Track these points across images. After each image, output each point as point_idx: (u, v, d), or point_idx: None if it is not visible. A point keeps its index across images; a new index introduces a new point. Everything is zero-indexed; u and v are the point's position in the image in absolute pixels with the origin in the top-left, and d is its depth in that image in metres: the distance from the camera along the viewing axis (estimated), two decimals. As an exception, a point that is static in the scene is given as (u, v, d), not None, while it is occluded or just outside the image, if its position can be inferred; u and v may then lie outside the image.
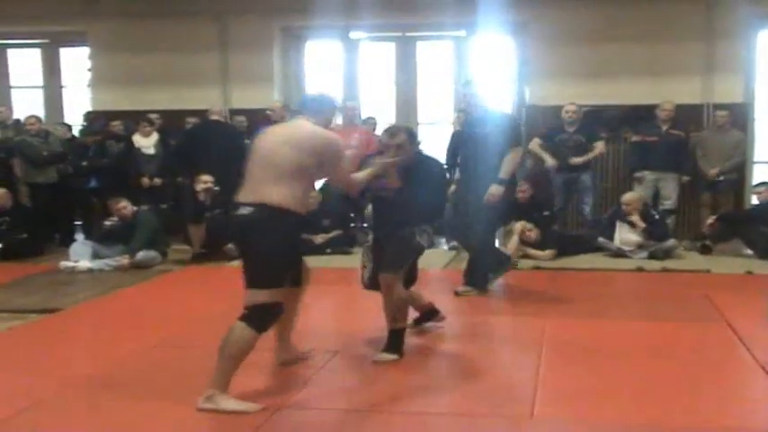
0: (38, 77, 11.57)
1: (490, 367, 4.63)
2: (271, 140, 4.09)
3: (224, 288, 6.96)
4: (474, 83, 6.57)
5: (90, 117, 10.59)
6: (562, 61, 9.61)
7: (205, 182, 8.34)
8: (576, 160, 8.76)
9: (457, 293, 6.36)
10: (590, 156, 8.84)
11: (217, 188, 8.41)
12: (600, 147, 8.94)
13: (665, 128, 8.93)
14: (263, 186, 3.93)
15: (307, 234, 8.51)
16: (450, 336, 5.19)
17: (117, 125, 9.78)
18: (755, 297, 6.30)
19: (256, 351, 4.77)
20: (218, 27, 10.33)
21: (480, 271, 6.43)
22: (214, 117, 9.40)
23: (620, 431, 3.55)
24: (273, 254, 3.90)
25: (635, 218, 8.20)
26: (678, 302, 6.17)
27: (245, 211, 3.93)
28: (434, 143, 10.07)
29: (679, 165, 8.95)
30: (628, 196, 8.44)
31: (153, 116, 9.91)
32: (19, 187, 9.47)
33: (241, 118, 9.98)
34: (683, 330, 5.28)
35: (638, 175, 9.03)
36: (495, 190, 6.15)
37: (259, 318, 3.90)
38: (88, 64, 10.98)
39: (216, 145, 8.82)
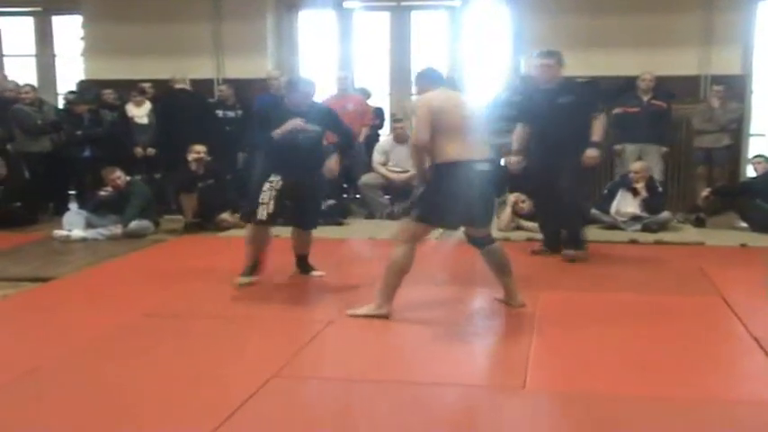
0: (30, 46, 11.48)
1: (482, 338, 4.65)
2: (462, 105, 4.89)
3: (217, 258, 6.99)
4: (552, 53, 6.54)
5: (82, 86, 10.52)
6: (557, 31, 9.53)
7: (198, 152, 8.31)
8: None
9: (570, 258, 6.58)
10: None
11: (209, 158, 8.39)
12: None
13: (646, 98, 8.89)
14: (479, 145, 4.83)
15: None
16: (442, 306, 5.19)
17: (109, 94, 9.76)
18: (750, 270, 6.31)
19: (248, 320, 4.81)
20: (211, -5, 10.25)
21: (581, 232, 6.77)
22: (179, 86, 9.37)
23: (612, 403, 3.55)
24: None
25: (640, 185, 8.19)
26: (672, 275, 6.17)
27: (485, 166, 4.80)
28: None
29: (660, 136, 8.91)
30: (638, 164, 8.41)
31: (146, 85, 9.85)
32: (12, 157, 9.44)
33: (222, 87, 9.92)
34: (676, 303, 5.29)
35: (617, 147, 8.97)
36: (593, 152, 6.48)
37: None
38: (81, 33, 10.90)
39: (186, 116, 8.99)
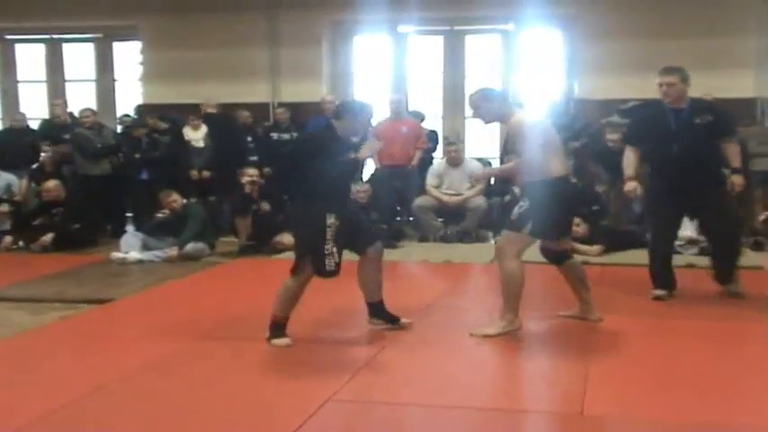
0: (91, 71, 11.76)
1: (539, 363, 4.61)
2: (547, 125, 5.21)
3: (272, 280, 7.02)
4: (673, 69, 6.06)
5: (140, 111, 10.74)
6: (610, 55, 9.52)
7: (250, 175, 8.43)
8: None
9: (734, 294, 6.05)
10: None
11: (262, 181, 8.50)
12: None
13: None
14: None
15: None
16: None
17: (154, 121, 9.80)
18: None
19: (304, 343, 4.83)
20: (267, 21, 10.41)
21: (735, 265, 6.15)
22: (209, 110, 9.52)
23: (673, 430, 3.51)
24: None
25: None
26: (730, 300, 6.05)
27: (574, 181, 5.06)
28: (482, 135, 10.06)
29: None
30: None
31: (208, 105, 10.00)
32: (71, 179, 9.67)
33: (279, 110, 10.03)
34: (736, 328, 5.19)
35: None
36: (738, 179, 6.03)
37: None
38: (140, 58, 11.14)
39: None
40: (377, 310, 5.11)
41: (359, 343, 4.93)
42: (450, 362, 4.54)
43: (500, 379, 4.25)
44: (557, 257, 5.20)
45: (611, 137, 8.70)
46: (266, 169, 9.16)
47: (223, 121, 9.76)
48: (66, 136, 9.69)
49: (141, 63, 11.14)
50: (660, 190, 6.06)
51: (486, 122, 5.23)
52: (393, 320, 5.11)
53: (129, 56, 11.53)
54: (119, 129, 10.56)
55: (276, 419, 3.61)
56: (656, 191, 6.11)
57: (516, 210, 5.00)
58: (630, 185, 6.17)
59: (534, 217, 4.93)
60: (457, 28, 10.65)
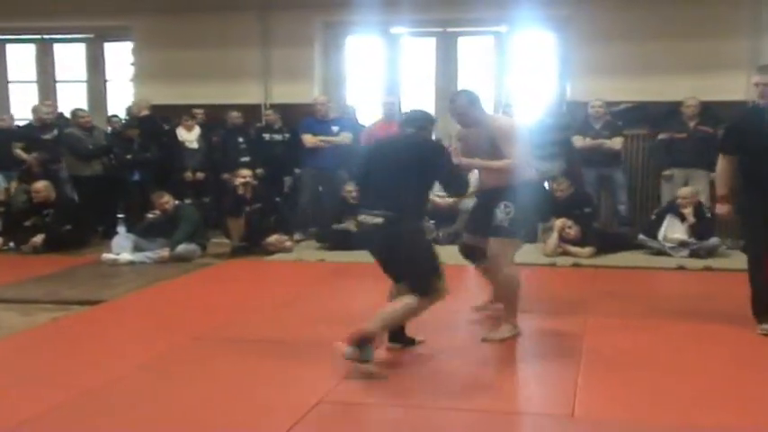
0: (82, 72, 11.72)
1: (529, 364, 4.63)
2: None
3: (264, 282, 7.05)
4: None
5: (132, 111, 10.71)
6: (603, 57, 9.52)
7: (243, 176, 8.42)
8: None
9: None
10: (591, 143, 8.80)
11: (255, 182, 8.50)
12: (615, 141, 8.86)
13: (692, 124, 8.82)
14: None
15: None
16: (487, 332, 5.17)
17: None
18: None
19: (296, 345, 4.83)
20: (260, 22, 10.38)
21: None
22: (144, 113, 9.52)
23: (664, 430, 3.52)
24: None
25: (687, 210, 8.11)
26: (721, 303, 6.07)
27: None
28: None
29: (708, 161, 8.81)
30: (685, 190, 8.34)
31: (196, 111, 10.01)
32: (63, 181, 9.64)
33: (268, 112, 10.01)
34: (726, 332, 5.19)
35: (666, 173, 8.93)
36: None
37: None
38: (131, 58, 11.11)
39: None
40: (398, 335, 4.75)
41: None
42: (441, 363, 4.54)
43: (491, 381, 4.25)
44: (481, 256, 5.21)
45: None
46: (259, 170, 9.15)
47: (156, 124, 9.68)
48: (47, 137, 9.67)
49: (133, 64, 11.11)
50: (757, 206, 5.09)
51: (465, 127, 5.17)
52: (410, 342, 4.79)
53: (120, 56, 11.49)
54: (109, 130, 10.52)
55: (268, 420, 3.61)
56: (753, 207, 5.13)
57: (502, 215, 4.94)
58: (723, 209, 5.35)
59: (524, 220, 4.98)
60: (450, 30, 10.64)
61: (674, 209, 8.23)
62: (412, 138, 4.64)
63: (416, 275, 4.37)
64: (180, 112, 9.95)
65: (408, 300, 4.33)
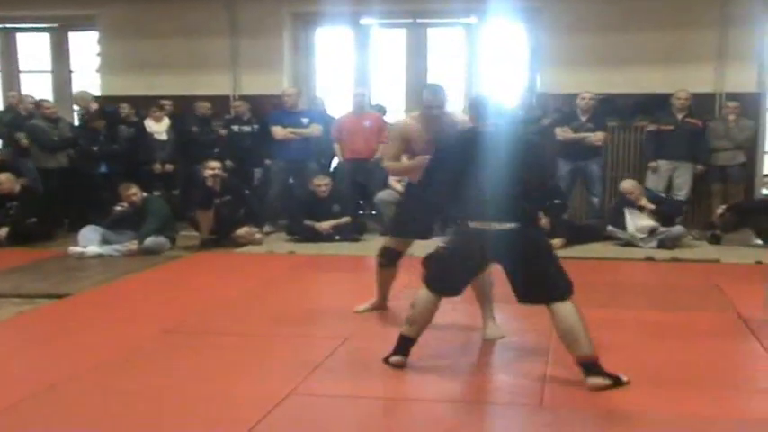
0: (46, 62, 11.57)
1: (497, 355, 4.63)
2: None
3: (233, 274, 7.01)
4: None
5: (99, 102, 10.60)
6: (574, 49, 9.56)
7: (212, 168, 8.35)
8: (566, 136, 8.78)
9: None
10: (573, 136, 8.82)
11: (225, 174, 8.44)
12: (597, 136, 8.90)
13: (680, 116, 8.88)
14: None
15: (313, 220, 8.53)
16: (458, 324, 5.17)
17: (124, 108, 9.81)
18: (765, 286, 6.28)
19: (266, 338, 4.81)
20: (228, 12, 10.30)
21: None
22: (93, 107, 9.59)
23: (629, 421, 3.54)
24: None
25: (643, 201, 8.18)
26: (688, 292, 6.14)
27: None
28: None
29: (694, 154, 8.91)
30: (627, 185, 8.39)
31: (164, 102, 9.92)
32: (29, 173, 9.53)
33: (237, 103, 9.94)
34: (692, 320, 5.26)
35: (653, 164, 8.99)
36: None
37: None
38: (97, 49, 10.98)
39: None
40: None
41: (320, 337, 4.91)
42: (411, 355, 4.53)
43: (461, 371, 4.25)
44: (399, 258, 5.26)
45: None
46: (228, 162, 9.09)
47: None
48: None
49: (99, 54, 10.97)
50: None
51: (434, 122, 4.98)
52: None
53: (86, 46, 11.34)
54: (76, 121, 10.41)
55: (237, 413, 3.58)
56: None
57: None
58: None
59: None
60: (420, 21, 10.63)
61: (628, 202, 8.28)
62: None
63: (557, 278, 4.08)
64: (148, 104, 9.85)
65: (570, 305, 3.97)
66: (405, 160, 5.08)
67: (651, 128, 9.08)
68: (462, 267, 4.16)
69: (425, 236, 5.30)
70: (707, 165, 8.98)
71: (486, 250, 4.07)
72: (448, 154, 4.22)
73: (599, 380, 3.85)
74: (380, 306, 5.44)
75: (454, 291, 4.24)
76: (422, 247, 5.26)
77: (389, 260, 5.28)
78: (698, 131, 8.89)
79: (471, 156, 4.06)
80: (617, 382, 3.87)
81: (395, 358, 4.21)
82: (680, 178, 8.85)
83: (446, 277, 4.19)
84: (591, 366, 3.88)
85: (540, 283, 4.01)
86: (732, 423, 3.54)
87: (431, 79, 10.35)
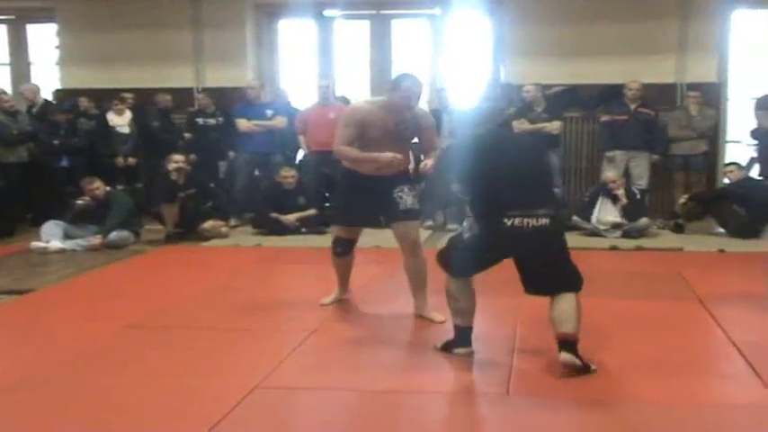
0: (4, 54, 11.39)
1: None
2: None
3: (199, 268, 6.96)
4: None
5: (59, 95, 10.46)
6: (537, 40, 9.60)
7: (176, 161, 8.28)
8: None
9: None
10: (531, 127, 8.83)
11: (189, 167, 8.38)
12: (554, 125, 8.96)
13: (633, 106, 8.96)
14: None
15: (279, 212, 8.49)
16: (421, 314, 5.18)
17: (84, 101, 9.70)
18: (728, 274, 6.38)
19: (232, 331, 4.78)
20: (190, 4, 10.21)
21: None
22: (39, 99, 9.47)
23: (593, 408, 3.57)
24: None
25: (620, 192, 8.24)
26: (651, 280, 6.21)
27: None
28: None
29: (649, 143, 8.99)
30: (613, 174, 8.48)
31: (126, 95, 9.82)
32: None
33: (200, 96, 9.86)
34: (656, 308, 5.32)
35: (609, 154, 9.06)
36: None
37: None
38: (56, 41, 10.82)
39: None
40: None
41: (287, 330, 4.89)
42: (378, 346, 4.54)
43: (428, 362, 4.26)
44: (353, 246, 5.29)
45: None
46: (192, 155, 9.02)
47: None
48: None
49: (58, 46, 10.82)
50: None
51: (408, 112, 4.92)
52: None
53: (44, 38, 11.17)
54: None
55: (203, 407, 3.56)
56: None
57: (411, 199, 4.94)
58: None
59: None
60: (383, 12, 10.61)
61: (606, 191, 8.36)
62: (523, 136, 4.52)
63: (573, 272, 4.11)
64: (109, 96, 9.73)
65: (572, 297, 4.01)
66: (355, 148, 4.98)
67: (605, 118, 9.12)
68: (483, 259, 4.21)
69: (370, 224, 5.36)
70: (665, 154, 9.08)
71: (514, 249, 4.09)
72: (475, 152, 4.15)
73: (571, 356, 3.89)
74: (343, 295, 5.45)
75: (478, 271, 4.30)
76: (389, 240, 5.28)
77: (343, 249, 5.27)
78: (651, 121, 8.98)
79: (499, 153, 4.12)
80: (585, 369, 3.92)
81: (460, 350, 4.25)
82: (637, 168, 8.92)
83: (468, 263, 4.23)
84: (569, 344, 3.92)
85: (558, 276, 4.06)
86: (692, 409, 3.59)
87: (395, 71, 10.35)
